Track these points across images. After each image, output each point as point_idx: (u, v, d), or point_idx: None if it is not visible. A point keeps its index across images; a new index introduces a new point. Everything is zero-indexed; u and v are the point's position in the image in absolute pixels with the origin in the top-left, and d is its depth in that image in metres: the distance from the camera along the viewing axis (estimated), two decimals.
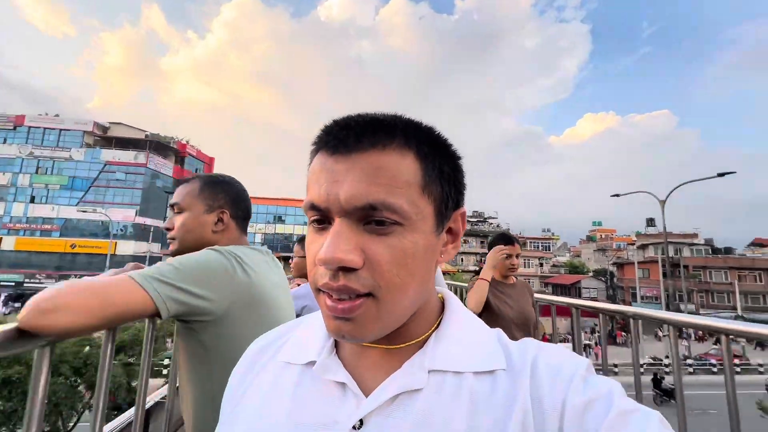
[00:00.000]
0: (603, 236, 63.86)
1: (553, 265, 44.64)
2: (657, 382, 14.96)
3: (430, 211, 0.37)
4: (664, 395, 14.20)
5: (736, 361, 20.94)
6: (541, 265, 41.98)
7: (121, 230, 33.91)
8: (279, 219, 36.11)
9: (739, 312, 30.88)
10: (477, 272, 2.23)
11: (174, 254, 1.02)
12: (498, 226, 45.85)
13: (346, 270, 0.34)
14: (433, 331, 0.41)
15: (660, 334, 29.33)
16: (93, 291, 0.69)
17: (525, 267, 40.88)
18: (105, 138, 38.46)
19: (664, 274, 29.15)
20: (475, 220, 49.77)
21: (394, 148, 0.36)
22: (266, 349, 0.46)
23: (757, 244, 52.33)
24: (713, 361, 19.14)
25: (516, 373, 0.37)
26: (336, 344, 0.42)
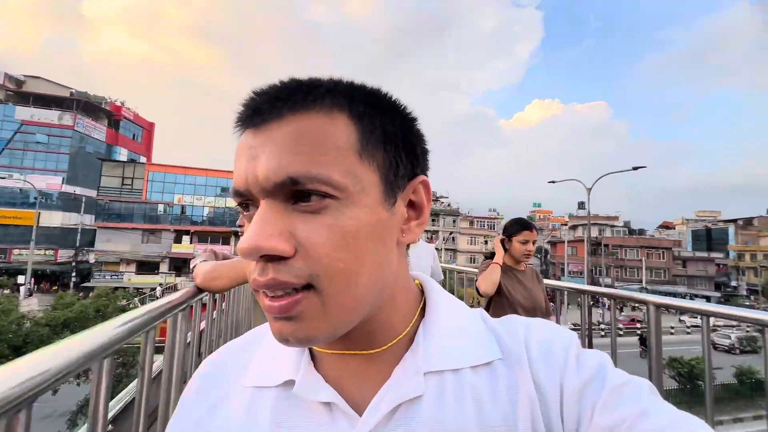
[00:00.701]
0: (541, 217, 69.57)
1: None
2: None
3: (374, 180, 0.31)
4: None
5: (638, 324, 24.86)
6: (486, 242, 45.13)
7: (45, 199, 30.46)
8: (228, 191, 34.61)
9: (644, 284, 36.22)
10: (488, 256, 2.24)
11: None
12: (449, 205, 48.08)
13: (274, 260, 0.28)
14: (416, 325, 0.36)
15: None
16: (233, 267, 1.26)
17: (471, 244, 43.84)
18: (19, 93, 33.54)
19: (591, 252, 32.99)
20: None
21: (319, 110, 0.30)
22: (221, 374, 0.39)
23: (664, 226, 60.51)
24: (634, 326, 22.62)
25: (513, 360, 0.34)
26: (313, 356, 0.36)
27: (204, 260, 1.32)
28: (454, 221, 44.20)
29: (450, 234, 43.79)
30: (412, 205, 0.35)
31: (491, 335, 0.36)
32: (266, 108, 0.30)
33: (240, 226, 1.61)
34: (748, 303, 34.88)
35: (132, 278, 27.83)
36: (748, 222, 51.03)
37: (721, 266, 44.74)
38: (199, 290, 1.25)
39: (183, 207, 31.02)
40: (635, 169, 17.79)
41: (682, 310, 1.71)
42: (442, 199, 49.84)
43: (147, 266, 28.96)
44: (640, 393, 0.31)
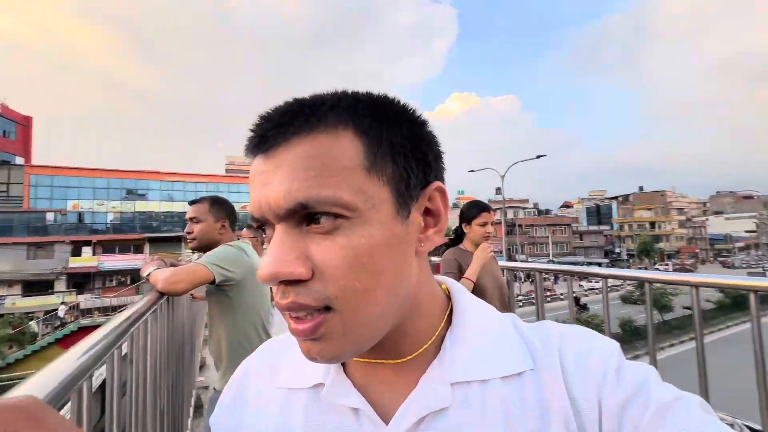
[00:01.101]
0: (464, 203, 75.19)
1: None
2: None
3: (385, 195, 0.31)
4: None
5: (548, 292, 28.68)
6: None
7: None
8: (136, 194, 30.80)
9: (551, 257, 41.51)
10: (449, 245, 2.16)
11: (194, 248, 1.68)
12: None
13: (293, 283, 0.29)
14: (443, 332, 0.36)
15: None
16: (191, 270, 1.41)
17: None
18: None
19: (507, 232, 36.56)
20: None
21: (323, 130, 0.30)
22: (257, 374, 0.41)
23: (565, 205, 69.53)
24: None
25: (546, 372, 0.32)
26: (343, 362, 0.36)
27: (156, 268, 1.39)
28: None
29: None
30: (428, 212, 0.35)
31: (523, 343, 0.35)
32: (272, 134, 0.30)
33: (189, 232, 1.67)
34: (625, 265, 42.21)
35: (17, 302, 23.44)
36: (626, 198, 61.54)
37: (608, 237, 53.22)
38: (161, 295, 1.31)
39: (80, 214, 26.86)
40: (538, 157, 20.73)
41: (622, 278, 2.12)
42: None
43: (37, 286, 24.59)
44: (688, 413, 0.29)
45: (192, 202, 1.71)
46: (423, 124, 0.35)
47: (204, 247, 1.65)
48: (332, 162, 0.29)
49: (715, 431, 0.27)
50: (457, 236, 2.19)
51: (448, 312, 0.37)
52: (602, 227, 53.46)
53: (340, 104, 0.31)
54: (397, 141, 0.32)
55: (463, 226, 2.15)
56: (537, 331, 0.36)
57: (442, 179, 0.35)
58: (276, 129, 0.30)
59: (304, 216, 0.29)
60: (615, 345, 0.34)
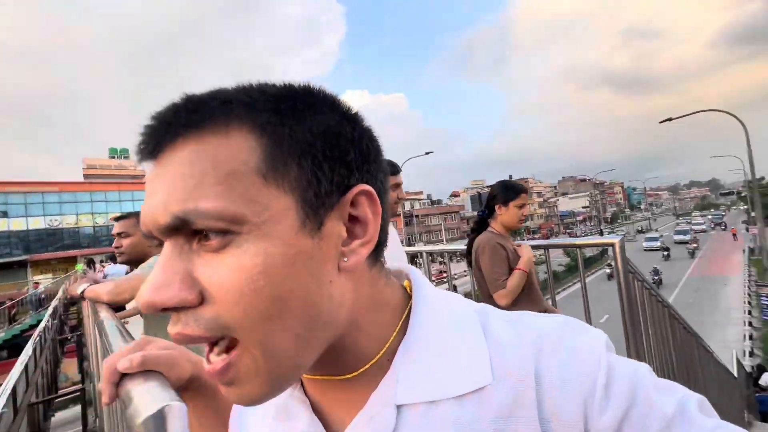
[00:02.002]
0: None
1: None
2: None
3: (288, 203, 0.26)
4: None
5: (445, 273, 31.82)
6: None
7: None
8: None
9: (445, 243, 46.07)
10: (475, 229, 1.94)
11: (124, 262, 1.72)
12: None
13: (180, 310, 0.25)
14: (395, 343, 0.31)
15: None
16: (135, 283, 1.45)
17: None
18: None
19: (405, 223, 39.09)
20: None
21: (212, 128, 0.25)
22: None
23: (454, 195, 77.25)
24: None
25: (511, 382, 0.27)
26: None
27: (89, 284, 1.46)
28: None
29: None
30: (353, 220, 0.29)
31: (485, 350, 0.29)
32: (158, 136, 0.26)
33: (118, 247, 1.68)
34: None
35: None
36: None
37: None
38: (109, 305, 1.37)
39: None
40: (427, 153, 23.36)
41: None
42: None
43: None
44: (691, 423, 0.25)
45: (118, 218, 1.75)
46: (347, 115, 0.30)
47: (134, 260, 1.70)
48: (218, 166, 0.25)
49: None
50: (482, 221, 1.96)
51: (404, 317, 0.32)
52: None
53: (236, 97, 0.27)
54: (306, 139, 0.27)
55: (497, 207, 1.91)
56: (512, 330, 0.30)
57: (373, 181, 0.30)
58: (162, 130, 0.26)
59: (191, 232, 0.25)
60: (601, 341, 0.29)
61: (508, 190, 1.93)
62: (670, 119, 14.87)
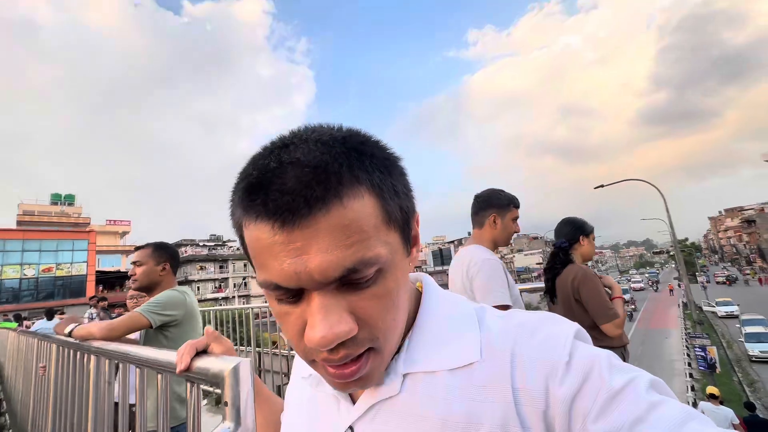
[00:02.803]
0: None
1: None
2: None
3: (398, 239, 0.34)
4: None
5: None
6: None
7: None
8: None
9: None
10: (560, 262, 1.92)
11: (137, 289, 1.84)
12: (237, 249, 45.36)
13: (347, 340, 0.32)
14: (409, 332, 0.40)
15: None
16: (128, 321, 1.55)
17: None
18: None
19: None
20: (213, 244, 47.07)
21: (348, 194, 0.30)
22: (295, 367, 0.51)
23: None
24: None
25: (493, 361, 0.34)
26: None
27: (77, 324, 1.52)
28: (245, 265, 41.96)
29: (243, 279, 41.16)
30: (411, 238, 0.38)
31: (477, 337, 0.37)
32: (300, 204, 0.29)
33: (132, 275, 1.81)
34: None
35: None
36: (460, 242, 74.46)
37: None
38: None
39: None
40: None
41: None
42: (230, 244, 46.53)
43: None
44: (637, 394, 0.29)
45: (137, 248, 1.88)
46: (399, 160, 0.37)
47: (146, 287, 1.82)
48: (365, 225, 0.31)
49: (661, 415, 0.27)
50: (564, 253, 1.96)
51: (417, 311, 0.41)
52: (445, 267, 62.56)
53: (353, 163, 0.32)
54: (398, 189, 0.34)
55: (581, 239, 1.95)
56: (501, 321, 0.38)
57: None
58: (306, 201, 0.29)
59: (348, 279, 0.31)
60: (571, 330, 0.34)
61: (585, 225, 1.98)
62: (602, 186, 16.95)
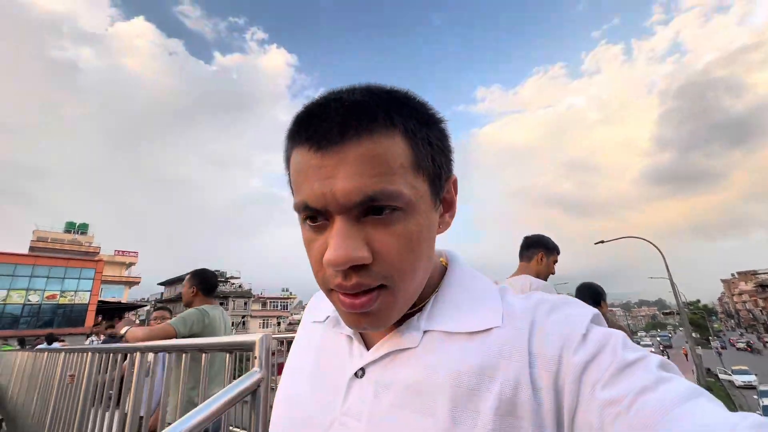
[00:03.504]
0: None
1: (290, 323, 47.81)
2: None
3: (426, 189, 0.37)
4: None
5: None
6: (279, 323, 44.22)
7: None
8: None
9: None
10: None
11: (185, 305, 2.42)
12: (240, 286, 45.21)
13: (356, 268, 0.34)
14: (433, 295, 0.42)
15: None
16: (162, 329, 2.06)
17: (264, 327, 41.81)
18: None
19: None
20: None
21: (381, 131, 0.34)
22: (305, 315, 0.55)
23: None
24: None
25: (513, 329, 0.37)
26: None
27: (129, 327, 1.93)
28: (245, 303, 41.56)
29: (242, 318, 40.58)
30: (445, 200, 0.41)
31: (499, 307, 0.39)
32: (336, 133, 0.34)
33: (181, 294, 2.16)
34: None
35: None
36: None
37: None
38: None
39: None
40: None
41: None
42: (233, 281, 46.43)
43: None
44: (647, 368, 0.31)
45: (194, 273, 2.50)
46: (444, 121, 0.41)
47: (186, 305, 2.41)
48: (391, 161, 0.34)
49: (670, 384, 0.29)
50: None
51: (443, 278, 0.44)
52: None
53: (391, 106, 0.36)
54: (434, 142, 0.38)
55: (602, 303, 2.27)
56: (524, 300, 0.40)
57: (454, 171, 0.42)
58: (339, 129, 0.34)
59: (365, 208, 0.34)
60: (591, 312, 0.37)
61: (602, 291, 2.29)
62: (602, 242, 17.17)
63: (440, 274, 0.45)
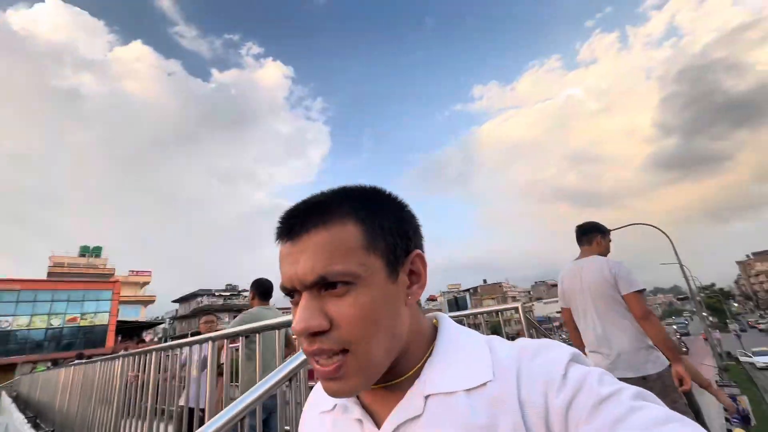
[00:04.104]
0: None
1: None
2: None
3: (380, 264, 0.42)
4: None
5: None
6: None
7: None
8: None
9: None
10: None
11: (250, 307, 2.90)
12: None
13: (317, 334, 0.40)
14: (426, 359, 0.45)
15: None
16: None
17: None
18: None
19: None
20: (228, 294, 47.52)
21: (333, 222, 0.42)
22: (308, 409, 0.57)
23: (431, 299, 76.60)
24: None
25: (503, 380, 0.40)
26: None
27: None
28: None
29: None
30: (412, 273, 0.46)
31: (489, 360, 0.42)
32: (298, 226, 0.42)
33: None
34: None
35: None
36: (475, 290, 72.71)
37: (464, 324, 59.94)
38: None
39: None
40: None
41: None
42: (245, 293, 46.86)
43: None
44: (620, 400, 0.34)
45: (256, 284, 2.98)
46: (403, 208, 0.48)
47: (250, 306, 2.87)
48: (341, 245, 0.41)
49: (641, 415, 0.32)
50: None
51: (433, 342, 0.47)
52: (459, 313, 60.60)
53: (343, 201, 0.44)
54: (386, 225, 0.44)
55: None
56: (509, 348, 0.44)
57: (421, 247, 0.48)
58: (301, 224, 0.42)
59: (322, 285, 0.40)
60: (569, 352, 0.41)
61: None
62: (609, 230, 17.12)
63: (430, 339, 0.48)
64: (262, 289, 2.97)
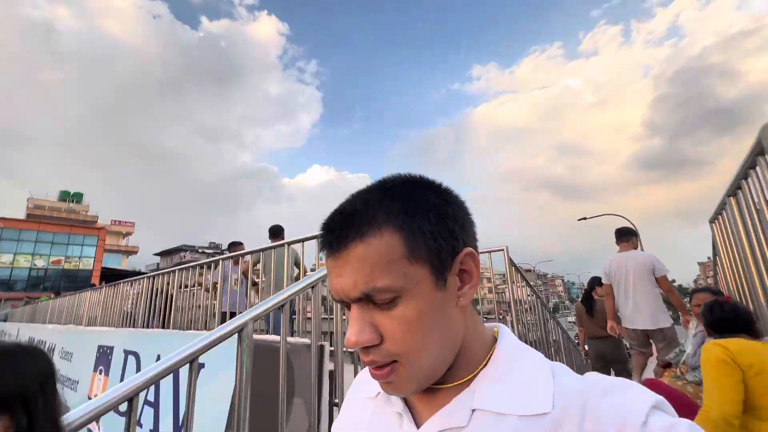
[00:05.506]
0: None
1: None
2: None
3: (425, 272, 0.39)
4: None
5: None
6: None
7: None
8: None
9: None
10: (589, 297, 4.62)
11: None
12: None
13: (371, 347, 0.39)
14: (480, 370, 0.43)
15: None
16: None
17: None
18: None
19: None
20: (212, 251, 47.86)
21: (370, 233, 0.39)
22: (355, 389, 0.57)
23: None
24: None
25: (565, 415, 0.36)
26: None
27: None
28: None
29: None
30: (463, 272, 0.43)
31: (551, 389, 0.39)
32: (336, 243, 0.41)
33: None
34: None
35: None
36: None
37: None
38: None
39: None
40: None
41: None
42: (227, 253, 47.13)
43: None
44: None
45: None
46: (446, 202, 0.43)
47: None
48: (380, 258, 0.38)
49: None
50: (591, 290, 4.52)
51: (491, 353, 0.44)
52: None
53: (379, 207, 0.41)
54: (427, 228, 0.40)
55: (596, 288, 4.08)
56: (577, 380, 0.40)
57: (472, 242, 0.44)
58: (338, 239, 0.40)
59: (369, 298, 0.39)
60: (652, 397, 0.35)
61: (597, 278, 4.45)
62: (585, 218, 18.54)
63: (488, 347, 0.45)
64: (271, 232, 4.30)
